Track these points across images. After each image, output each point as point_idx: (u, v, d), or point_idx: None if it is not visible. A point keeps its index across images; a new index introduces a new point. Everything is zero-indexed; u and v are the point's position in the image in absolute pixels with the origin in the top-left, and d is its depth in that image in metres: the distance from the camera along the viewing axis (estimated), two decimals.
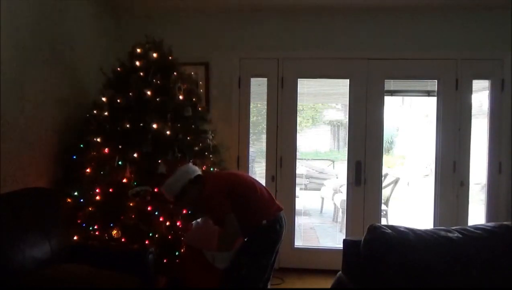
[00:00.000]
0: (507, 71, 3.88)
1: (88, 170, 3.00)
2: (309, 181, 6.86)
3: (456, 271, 1.99)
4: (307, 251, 4.34)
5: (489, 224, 2.25)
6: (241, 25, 4.06)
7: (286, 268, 4.01)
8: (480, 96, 4.23)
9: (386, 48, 3.98)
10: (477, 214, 4.14)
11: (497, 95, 3.95)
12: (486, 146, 4.02)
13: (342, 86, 4.28)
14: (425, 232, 2.10)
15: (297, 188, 4.38)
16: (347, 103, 4.11)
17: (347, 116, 4.13)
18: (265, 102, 4.12)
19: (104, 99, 3.13)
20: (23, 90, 2.80)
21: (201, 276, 2.66)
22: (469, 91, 3.97)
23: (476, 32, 3.91)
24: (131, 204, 2.90)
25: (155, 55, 3.19)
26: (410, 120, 8.31)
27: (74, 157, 3.11)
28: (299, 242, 4.52)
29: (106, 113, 3.09)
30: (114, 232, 2.93)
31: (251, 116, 4.16)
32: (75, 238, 2.89)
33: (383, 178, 4.40)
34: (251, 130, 4.17)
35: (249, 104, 4.13)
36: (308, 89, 4.36)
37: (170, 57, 3.27)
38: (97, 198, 2.94)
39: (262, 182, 3.75)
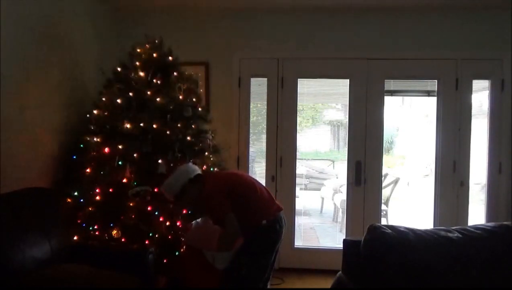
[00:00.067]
0: (507, 71, 3.88)
1: (88, 170, 3.01)
2: (309, 181, 6.85)
3: (456, 271, 1.99)
4: (307, 251, 4.34)
5: (489, 224, 2.25)
6: (241, 25, 4.06)
7: (286, 268, 4.01)
8: (480, 96, 4.23)
9: (386, 48, 3.98)
10: (477, 214, 4.14)
11: (497, 95, 3.95)
12: (486, 146, 4.02)
13: (342, 86, 4.28)
14: (425, 232, 2.10)
15: (297, 188, 4.37)
16: (347, 103, 4.10)
17: (347, 116, 4.13)
18: (265, 102, 4.12)
19: (104, 99, 3.13)
20: (23, 90, 2.80)
21: (201, 276, 2.66)
22: (469, 91, 3.97)
23: (476, 32, 3.91)
24: (131, 204, 2.90)
25: (155, 55, 3.20)
26: (410, 120, 8.31)
27: (74, 157, 3.11)
28: (299, 242, 4.52)
29: (106, 113, 3.09)
30: (114, 232, 2.93)
31: (251, 116, 4.15)
32: (75, 238, 2.89)
33: (383, 178, 4.40)
34: (251, 130, 4.16)
35: (249, 104, 4.12)
36: (308, 89, 4.36)
37: (170, 57, 3.27)
38: (97, 198, 2.94)
39: (262, 182, 3.75)
